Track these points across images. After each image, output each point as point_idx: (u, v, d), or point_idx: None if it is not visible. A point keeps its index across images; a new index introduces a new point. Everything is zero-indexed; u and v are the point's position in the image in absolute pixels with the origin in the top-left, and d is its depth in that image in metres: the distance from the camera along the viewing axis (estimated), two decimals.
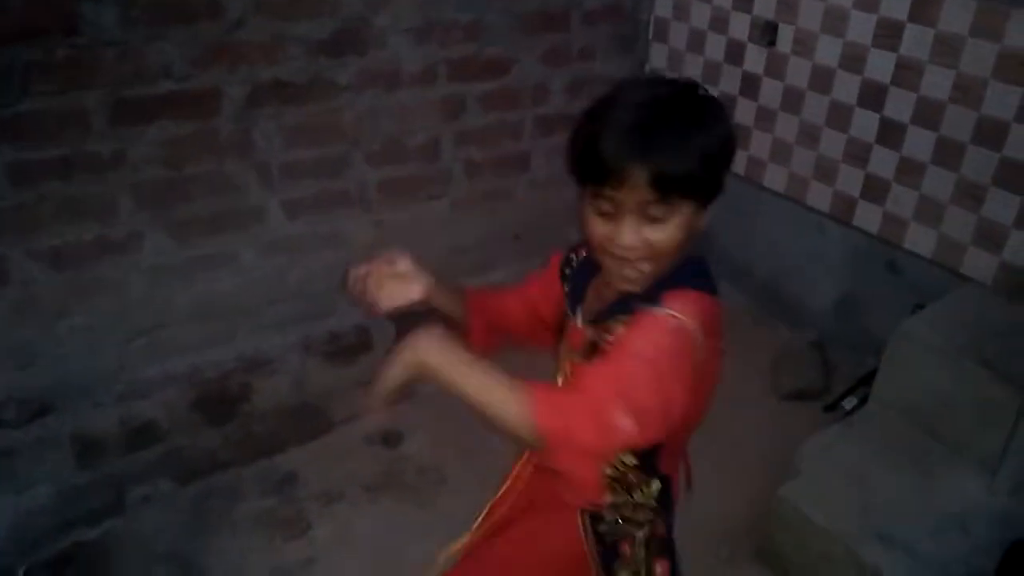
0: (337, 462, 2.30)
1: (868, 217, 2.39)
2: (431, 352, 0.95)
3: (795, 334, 2.70)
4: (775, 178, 2.64)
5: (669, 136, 0.94)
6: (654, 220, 0.98)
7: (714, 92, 2.71)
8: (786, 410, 2.48)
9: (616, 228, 0.99)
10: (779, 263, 2.76)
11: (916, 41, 2.14)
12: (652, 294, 1.01)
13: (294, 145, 2.16)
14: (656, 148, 0.94)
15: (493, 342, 1.26)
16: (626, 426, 0.89)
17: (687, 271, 1.04)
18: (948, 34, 2.06)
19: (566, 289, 1.20)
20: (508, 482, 1.29)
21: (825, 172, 2.48)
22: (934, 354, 1.95)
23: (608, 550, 1.18)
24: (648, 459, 1.10)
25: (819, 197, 2.52)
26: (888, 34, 2.19)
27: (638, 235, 0.98)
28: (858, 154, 2.36)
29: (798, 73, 2.46)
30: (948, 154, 2.14)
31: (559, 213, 2.72)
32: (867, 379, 2.33)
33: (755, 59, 2.58)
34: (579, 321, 1.15)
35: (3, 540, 1.92)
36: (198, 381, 2.15)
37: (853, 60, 2.30)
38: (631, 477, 1.13)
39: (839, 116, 2.39)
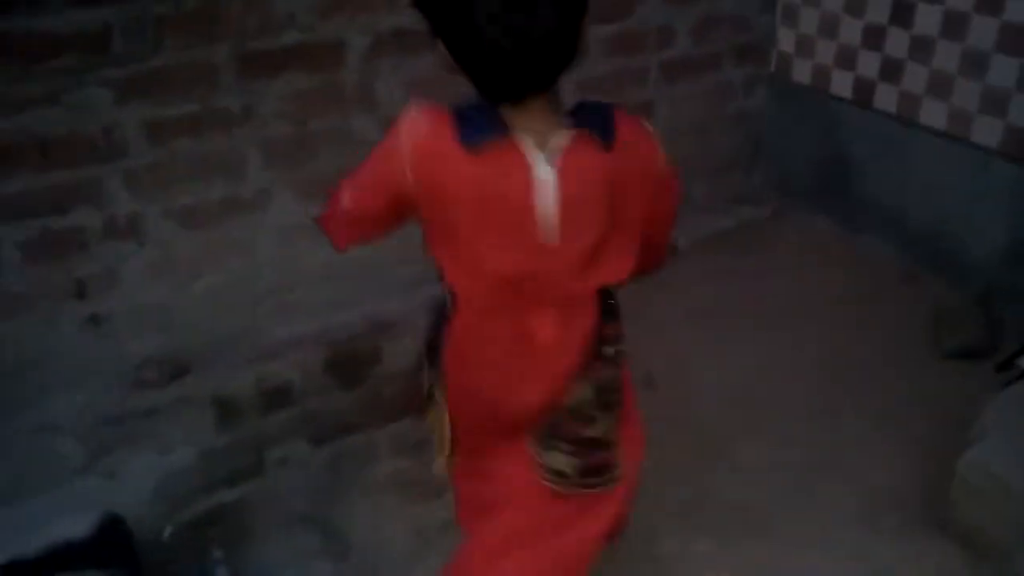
0: None
1: None
2: None
3: (957, 287, 2.45)
4: (933, 114, 2.38)
5: None
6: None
7: (859, 24, 2.48)
8: (950, 370, 2.25)
9: None
10: (937, 209, 2.50)
11: None
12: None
13: (416, 97, 2.08)
14: None
15: None
16: (342, 200, 1.21)
17: (472, 103, 1.12)
18: None
19: None
20: None
21: (995, 104, 2.21)
22: None
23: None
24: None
25: (987, 132, 2.25)
26: None
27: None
28: None
29: None
30: None
31: (687, 161, 2.55)
32: None
33: None
34: None
35: (149, 501, 1.94)
36: (328, 343, 2.11)
37: None
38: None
39: (1012, 39, 2.12)
